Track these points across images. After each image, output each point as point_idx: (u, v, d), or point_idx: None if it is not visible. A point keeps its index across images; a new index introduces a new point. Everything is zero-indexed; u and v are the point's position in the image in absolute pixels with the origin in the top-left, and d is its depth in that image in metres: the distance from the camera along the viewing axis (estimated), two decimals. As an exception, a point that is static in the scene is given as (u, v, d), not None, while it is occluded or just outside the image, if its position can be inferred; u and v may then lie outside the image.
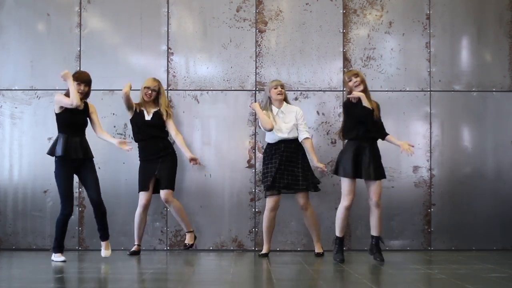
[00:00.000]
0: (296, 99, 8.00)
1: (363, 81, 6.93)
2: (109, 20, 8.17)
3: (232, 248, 8.00)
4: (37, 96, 8.05)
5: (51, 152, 6.96)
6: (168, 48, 8.09)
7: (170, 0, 8.12)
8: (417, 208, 7.98)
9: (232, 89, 8.09)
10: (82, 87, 6.99)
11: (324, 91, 8.06)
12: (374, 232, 6.90)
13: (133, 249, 7.64)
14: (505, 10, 8.17)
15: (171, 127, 7.70)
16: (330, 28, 8.12)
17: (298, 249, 7.96)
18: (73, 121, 6.98)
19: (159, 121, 7.64)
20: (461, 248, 8.01)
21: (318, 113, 8.00)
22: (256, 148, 8.03)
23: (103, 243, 7.09)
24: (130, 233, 7.88)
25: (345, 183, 6.82)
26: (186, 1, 8.15)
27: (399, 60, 8.11)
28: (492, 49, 8.18)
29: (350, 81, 6.94)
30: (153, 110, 7.67)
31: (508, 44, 8.16)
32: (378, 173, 6.83)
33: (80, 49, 8.07)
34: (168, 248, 7.98)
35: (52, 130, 7.99)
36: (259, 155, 8.01)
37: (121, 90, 7.97)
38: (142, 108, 7.67)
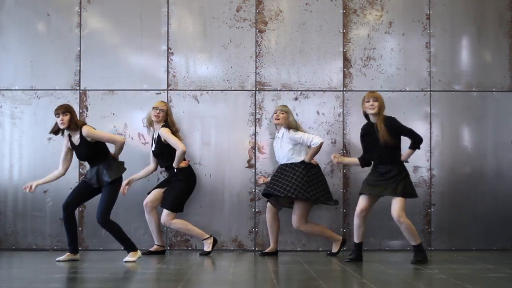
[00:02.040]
0: (296, 99, 8.01)
1: (380, 107, 6.83)
2: (109, 20, 8.17)
3: (232, 248, 8.00)
4: (37, 96, 8.05)
5: None
6: (168, 48, 8.09)
7: (170, 0, 8.12)
8: (417, 208, 7.97)
9: (232, 89, 8.09)
10: (61, 116, 6.87)
11: (324, 91, 8.06)
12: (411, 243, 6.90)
13: (152, 248, 7.72)
14: (505, 10, 8.17)
15: (172, 143, 7.54)
16: (330, 28, 8.12)
17: (298, 249, 7.96)
18: (78, 156, 7.05)
19: (160, 149, 7.58)
20: (461, 248, 8.01)
21: (318, 113, 8.00)
22: (256, 148, 8.03)
23: (130, 253, 7.00)
24: (130, 233, 7.87)
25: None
26: (186, 1, 8.15)
27: (399, 60, 8.11)
28: (492, 49, 8.18)
29: (367, 102, 6.84)
30: (156, 132, 7.64)
31: (508, 44, 8.16)
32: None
33: (80, 49, 8.07)
34: (168, 248, 7.98)
35: (52, 130, 8.01)
36: (259, 155, 8.01)
37: (121, 90, 8.01)
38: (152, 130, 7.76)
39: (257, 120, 8.03)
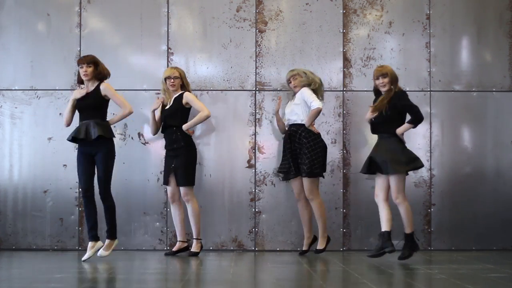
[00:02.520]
0: (296, 99, 8.00)
1: (391, 82, 7.00)
2: (109, 20, 8.17)
3: (232, 248, 8.01)
4: (37, 96, 8.05)
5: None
6: (168, 48, 8.09)
7: (170, 0, 8.12)
8: (417, 208, 7.97)
9: (232, 89, 8.09)
10: (85, 67, 7.00)
11: (324, 91, 8.05)
12: (404, 229, 7.01)
13: (175, 248, 7.58)
14: (505, 10, 8.17)
15: (195, 106, 7.55)
16: (330, 28, 8.12)
17: (298, 249, 7.95)
18: (80, 106, 7.08)
19: (176, 107, 7.51)
20: (461, 248, 8.01)
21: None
22: (256, 148, 8.03)
23: (106, 241, 7.09)
24: (130, 233, 7.91)
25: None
26: (186, 1, 8.15)
27: (399, 60, 8.11)
28: (492, 49, 8.18)
29: (377, 79, 7.04)
30: (174, 96, 7.60)
31: (508, 44, 8.16)
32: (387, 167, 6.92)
33: (80, 49, 8.07)
34: (168, 248, 7.97)
35: (52, 130, 8.01)
36: (259, 155, 8.02)
37: (121, 90, 8.00)
38: (169, 98, 7.62)
39: (257, 120, 8.03)
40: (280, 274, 6.32)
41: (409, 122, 6.98)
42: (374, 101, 7.15)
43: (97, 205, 7.07)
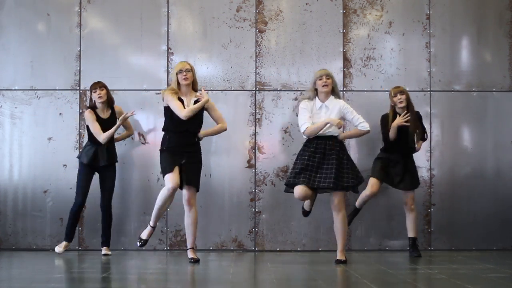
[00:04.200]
0: (296, 99, 8.00)
1: (407, 99, 7.36)
2: (109, 20, 8.17)
3: (232, 248, 8.01)
4: (37, 96, 8.05)
5: (80, 156, 7.61)
6: (168, 48, 8.09)
7: (170, 0, 8.12)
8: (417, 208, 7.95)
9: (232, 89, 8.09)
10: (98, 91, 7.47)
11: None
12: (410, 233, 7.43)
13: (146, 232, 7.02)
14: (505, 10, 8.18)
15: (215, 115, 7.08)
16: (330, 28, 8.12)
17: (298, 249, 7.96)
18: (104, 130, 7.48)
19: (199, 112, 6.91)
20: (461, 248, 8.01)
21: (318, 113, 7.99)
22: (256, 148, 8.03)
23: (103, 248, 7.56)
24: (130, 233, 7.91)
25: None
26: (186, 1, 8.15)
27: (399, 60, 8.11)
28: (492, 49, 8.18)
29: (395, 96, 7.35)
30: (193, 99, 6.95)
31: (508, 44, 8.16)
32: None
33: (80, 49, 8.07)
34: (168, 248, 7.98)
35: (52, 130, 8.01)
36: (259, 155, 8.02)
37: (121, 90, 8.02)
38: (183, 97, 6.93)
39: (257, 120, 8.03)
40: (280, 274, 6.32)
41: (422, 139, 7.54)
42: (383, 123, 7.38)
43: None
